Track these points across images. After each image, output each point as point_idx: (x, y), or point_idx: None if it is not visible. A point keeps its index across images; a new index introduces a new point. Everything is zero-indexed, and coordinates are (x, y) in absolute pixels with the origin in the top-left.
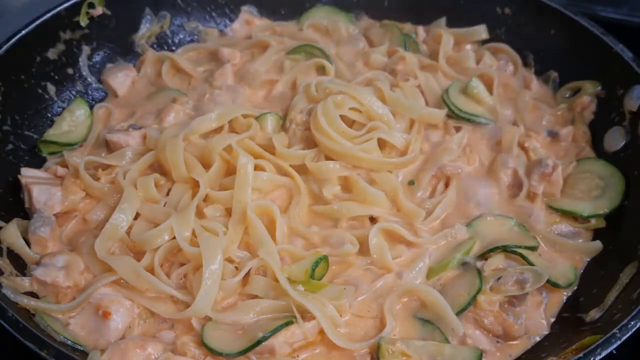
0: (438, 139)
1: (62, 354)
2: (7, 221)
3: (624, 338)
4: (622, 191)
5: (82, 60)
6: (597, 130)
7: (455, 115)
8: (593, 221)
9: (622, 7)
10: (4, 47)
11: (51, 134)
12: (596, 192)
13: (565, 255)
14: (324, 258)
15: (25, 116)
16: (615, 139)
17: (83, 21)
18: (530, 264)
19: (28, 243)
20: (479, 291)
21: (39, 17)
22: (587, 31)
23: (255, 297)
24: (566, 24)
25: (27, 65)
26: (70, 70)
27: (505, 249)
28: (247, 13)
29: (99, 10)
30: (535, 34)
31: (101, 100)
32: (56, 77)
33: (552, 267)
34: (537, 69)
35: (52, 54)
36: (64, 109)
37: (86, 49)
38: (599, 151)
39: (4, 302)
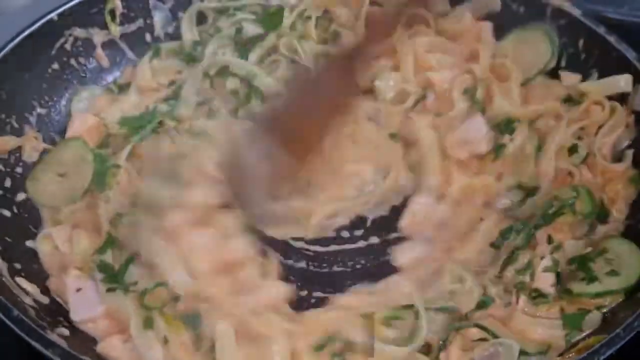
0: None
1: (67, 353)
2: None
3: (627, 337)
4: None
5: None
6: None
7: None
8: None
9: (622, 7)
10: (7, 47)
11: None
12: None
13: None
14: None
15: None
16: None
17: (114, 32)
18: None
19: None
20: None
21: (42, 17)
22: (591, 30)
23: None
24: (569, 22)
25: (30, 64)
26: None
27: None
28: None
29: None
30: None
31: None
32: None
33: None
34: None
35: (57, 53)
36: None
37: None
38: None
39: (9, 301)
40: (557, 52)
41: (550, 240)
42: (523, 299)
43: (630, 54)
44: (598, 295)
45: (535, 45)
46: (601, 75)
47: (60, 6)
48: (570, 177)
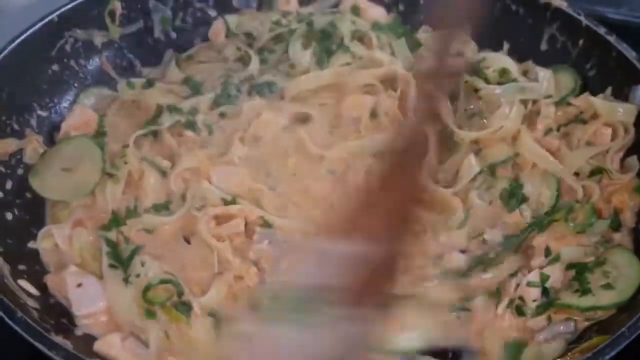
0: None
1: (71, 354)
2: None
3: (632, 337)
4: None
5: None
6: None
7: None
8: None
9: (622, 7)
10: (7, 49)
11: None
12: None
13: None
14: None
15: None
16: None
17: (114, 33)
18: None
19: None
20: None
21: (42, 19)
22: (590, 30)
23: None
24: (569, 22)
25: (30, 66)
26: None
27: None
28: None
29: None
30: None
31: None
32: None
33: None
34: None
35: (57, 54)
36: None
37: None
38: None
39: (13, 303)
40: (580, 85)
41: (547, 252)
42: (502, 307)
43: (630, 54)
44: (588, 309)
45: (562, 77)
46: (601, 76)
47: (60, 7)
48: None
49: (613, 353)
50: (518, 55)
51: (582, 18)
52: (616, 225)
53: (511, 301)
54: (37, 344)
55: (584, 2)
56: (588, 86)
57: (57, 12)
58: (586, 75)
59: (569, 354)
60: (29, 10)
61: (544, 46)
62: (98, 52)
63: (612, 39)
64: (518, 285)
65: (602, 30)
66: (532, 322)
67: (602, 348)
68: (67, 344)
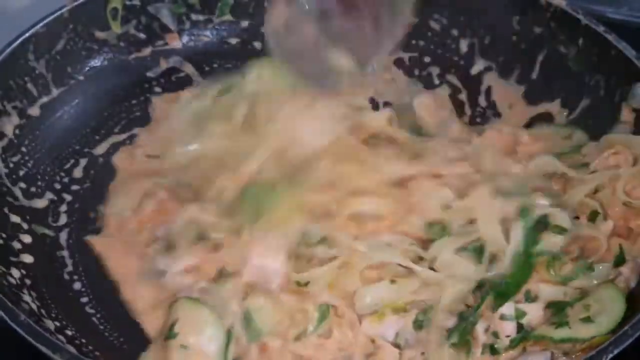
0: None
1: (75, 357)
2: None
3: (635, 335)
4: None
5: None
6: (600, 128)
7: None
8: None
9: (622, 7)
10: (7, 50)
11: None
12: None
13: None
14: None
15: None
16: None
17: (116, 28)
18: None
19: None
20: None
21: (41, 20)
22: (589, 29)
23: None
24: (568, 21)
25: (30, 67)
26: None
27: None
28: None
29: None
30: None
31: None
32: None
33: None
34: None
35: (57, 54)
36: None
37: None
38: None
39: (16, 306)
40: None
41: (527, 295)
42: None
43: (630, 52)
44: (563, 340)
45: None
46: (601, 75)
47: (60, 8)
48: None
49: (617, 351)
50: None
51: (581, 17)
52: (619, 262)
53: (484, 346)
54: (40, 346)
55: (583, 1)
56: (585, 86)
57: (57, 13)
58: (584, 74)
59: (570, 352)
60: (29, 11)
61: None
62: None
63: (611, 37)
64: (487, 329)
65: (601, 29)
66: (505, 356)
67: (606, 346)
68: (70, 347)
